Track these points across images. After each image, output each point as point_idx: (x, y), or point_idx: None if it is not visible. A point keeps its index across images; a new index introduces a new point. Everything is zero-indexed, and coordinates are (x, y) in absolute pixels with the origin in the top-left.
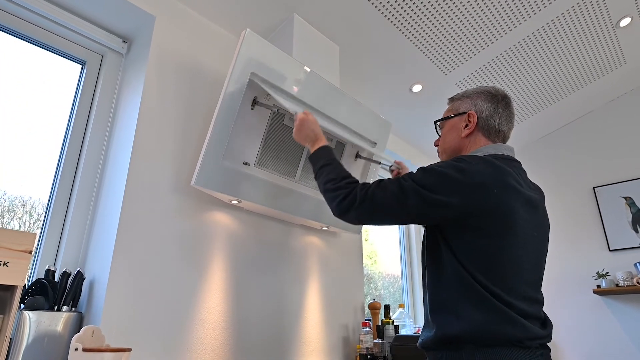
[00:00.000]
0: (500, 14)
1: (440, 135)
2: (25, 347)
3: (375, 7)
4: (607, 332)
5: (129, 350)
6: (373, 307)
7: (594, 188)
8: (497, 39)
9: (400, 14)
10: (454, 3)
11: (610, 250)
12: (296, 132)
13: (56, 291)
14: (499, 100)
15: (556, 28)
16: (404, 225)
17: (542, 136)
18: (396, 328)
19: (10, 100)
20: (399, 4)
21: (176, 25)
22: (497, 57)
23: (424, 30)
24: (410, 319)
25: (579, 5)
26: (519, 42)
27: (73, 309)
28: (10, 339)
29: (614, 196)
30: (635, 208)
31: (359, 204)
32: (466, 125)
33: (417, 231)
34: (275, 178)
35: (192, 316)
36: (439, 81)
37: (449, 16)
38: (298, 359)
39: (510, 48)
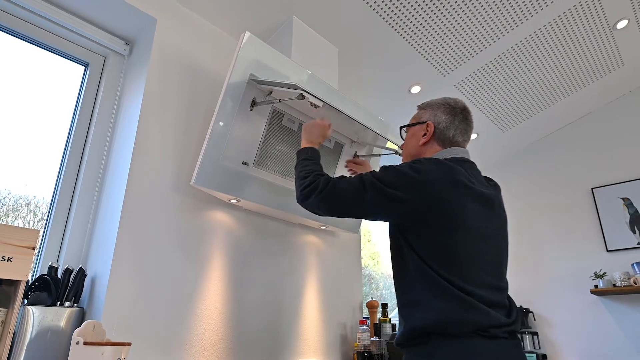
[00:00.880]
0: (497, 17)
1: (404, 141)
2: (29, 341)
3: (374, 9)
4: (604, 332)
5: (129, 344)
6: (371, 306)
7: (592, 189)
8: (494, 41)
9: (399, 17)
10: (451, 6)
11: (608, 251)
12: (308, 126)
13: (59, 287)
14: (457, 113)
15: (553, 30)
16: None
17: (541, 137)
18: (393, 326)
19: (15, 101)
20: (397, 7)
21: (177, 27)
22: (495, 59)
23: (422, 33)
24: None
25: (576, 8)
26: (516, 44)
27: (75, 305)
28: (14, 332)
29: (612, 197)
30: (633, 209)
31: (319, 191)
32: (424, 134)
33: None
34: (274, 178)
35: (191, 312)
36: (438, 83)
37: (447, 19)
38: (296, 356)
39: (508, 50)
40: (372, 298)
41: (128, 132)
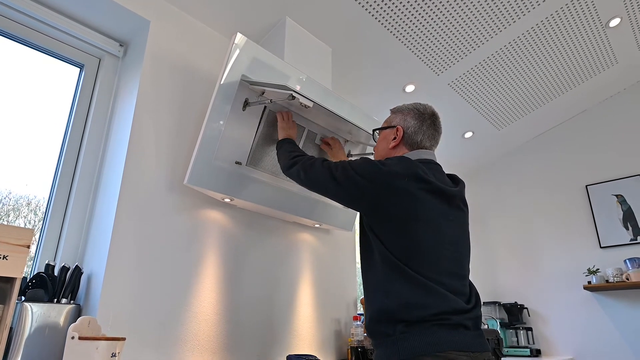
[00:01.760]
0: (490, 16)
1: (376, 143)
2: (27, 336)
3: (366, 9)
4: (597, 327)
5: (123, 339)
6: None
7: (586, 186)
8: (487, 40)
9: (391, 17)
10: (443, 6)
11: (601, 247)
12: (282, 126)
13: (55, 285)
14: (425, 118)
15: (546, 29)
16: None
17: (536, 135)
18: None
19: (13, 103)
20: (389, 7)
21: (171, 28)
22: (488, 57)
23: (415, 32)
24: None
25: (568, 7)
26: (509, 42)
27: (72, 302)
28: (12, 328)
29: (606, 194)
30: (626, 206)
31: (302, 163)
32: (394, 138)
33: None
34: (267, 177)
35: (185, 309)
36: (432, 82)
37: (439, 18)
38: (290, 352)
39: (501, 49)
40: None
41: (123, 133)
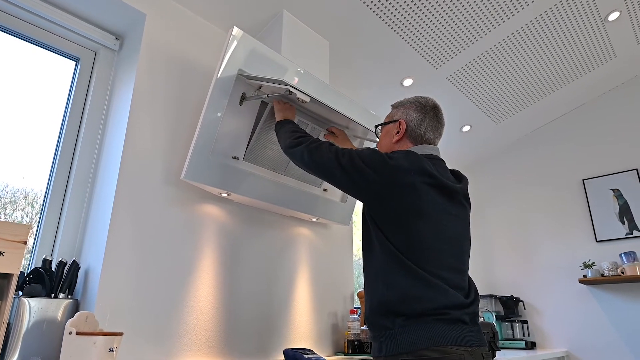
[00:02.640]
0: (488, 9)
1: (379, 139)
2: (24, 331)
3: (364, 2)
4: (592, 321)
5: (121, 334)
6: (362, 296)
7: (583, 180)
8: (485, 34)
9: (389, 9)
10: None
11: (597, 241)
12: (281, 109)
13: (53, 279)
14: (427, 111)
15: (545, 23)
16: None
17: (534, 129)
18: None
19: (9, 96)
20: (387, 0)
21: (167, 22)
22: (487, 51)
23: (413, 26)
24: None
25: (567, 0)
26: (508, 36)
27: (69, 296)
28: (10, 323)
29: (603, 188)
30: (622, 200)
31: (306, 145)
32: (397, 132)
33: None
34: (264, 172)
35: (183, 303)
36: (430, 75)
37: (437, 11)
38: (287, 345)
39: (499, 42)
40: (362, 288)
41: (119, 127)
